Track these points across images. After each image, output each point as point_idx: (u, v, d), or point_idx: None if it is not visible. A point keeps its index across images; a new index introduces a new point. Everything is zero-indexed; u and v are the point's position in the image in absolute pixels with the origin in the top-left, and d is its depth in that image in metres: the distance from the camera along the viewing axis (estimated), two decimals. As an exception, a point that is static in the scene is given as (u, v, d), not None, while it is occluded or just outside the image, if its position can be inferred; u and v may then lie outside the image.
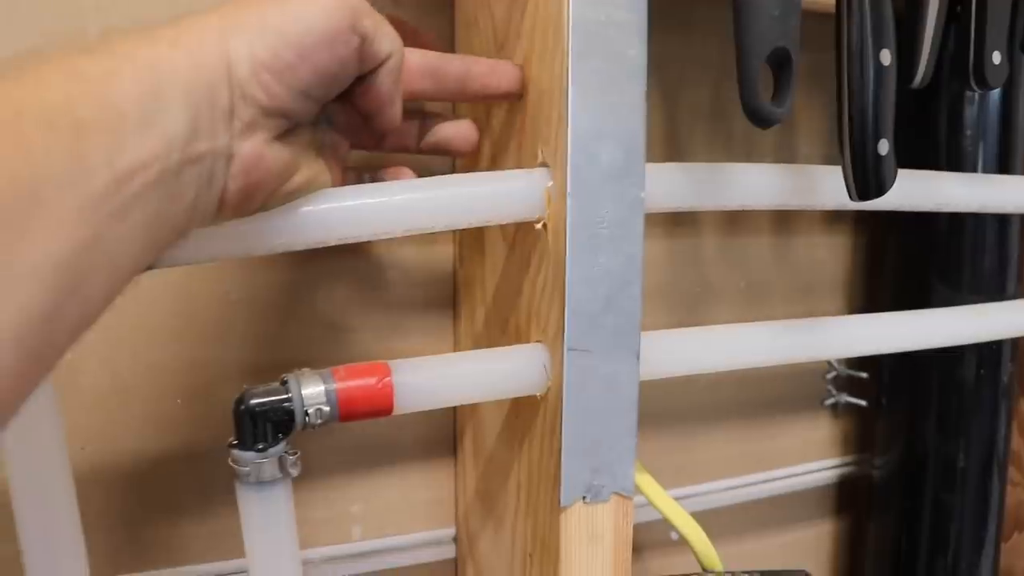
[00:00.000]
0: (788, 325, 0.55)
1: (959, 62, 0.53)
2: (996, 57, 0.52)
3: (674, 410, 0.73)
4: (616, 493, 0.47)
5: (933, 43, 0.50)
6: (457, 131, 0.49)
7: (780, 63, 0.44)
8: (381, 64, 0.41)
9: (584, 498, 0.46)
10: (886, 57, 0.46)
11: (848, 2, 0.46)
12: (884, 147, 0.47)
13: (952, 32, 0.53)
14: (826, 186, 0.53)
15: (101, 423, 0.53)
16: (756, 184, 0.51)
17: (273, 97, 0.36)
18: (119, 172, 0.30)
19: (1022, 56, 0.56)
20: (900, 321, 0.60)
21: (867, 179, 0.47)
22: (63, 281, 0.28)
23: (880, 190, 0.48)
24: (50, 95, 0.29)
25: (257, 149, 0.36)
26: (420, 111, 0.49)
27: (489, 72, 0.47)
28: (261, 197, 0.38)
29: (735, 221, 0.72)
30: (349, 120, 0.45)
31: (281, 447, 0.42)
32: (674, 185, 0.48)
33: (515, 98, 0.48)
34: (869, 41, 0.46)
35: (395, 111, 0.43)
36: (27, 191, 0.27)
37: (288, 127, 0.38)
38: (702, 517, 0.70)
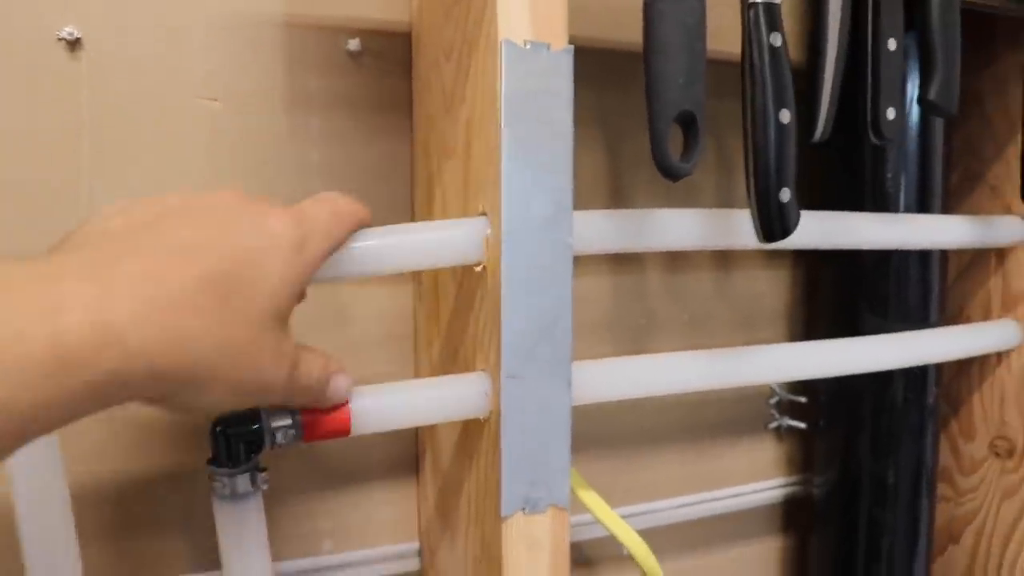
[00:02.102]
0: (710, 354, 0.61)
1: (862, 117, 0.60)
2: (891, 113, 0.58)
3: (626, 432, 0.79)
4: (553, 505, 0.52)
5: (831, 103, 0.57)
6: None
7: (687, 124, 0.50)
8: None
9: (523, 509, 0.51)
10: (785, 116, 0.52)
11: (751, 69, 0.52)
12: (786, 195, 0.53)
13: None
14: (744, 228, 0.59)
15: (91, 447, 0.58)
16: (678, 228, 0.58)
17: None
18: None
19: (925, 108, 0.63)
20: (814, 349, 0.66)
21: (772, 224, 0.53)
22: None
23: (785, 232, 0.54)
24: None
25: None
26: None
27: None
28: None
29: (678, 257, 0.78)
30: None
31: (252, 464, 0.48)
32: (601, 231, 0.55)
33: None
34: (770, 103, 0.52)
35: None
36: None
37: None
38: (653, 534, 0.75)
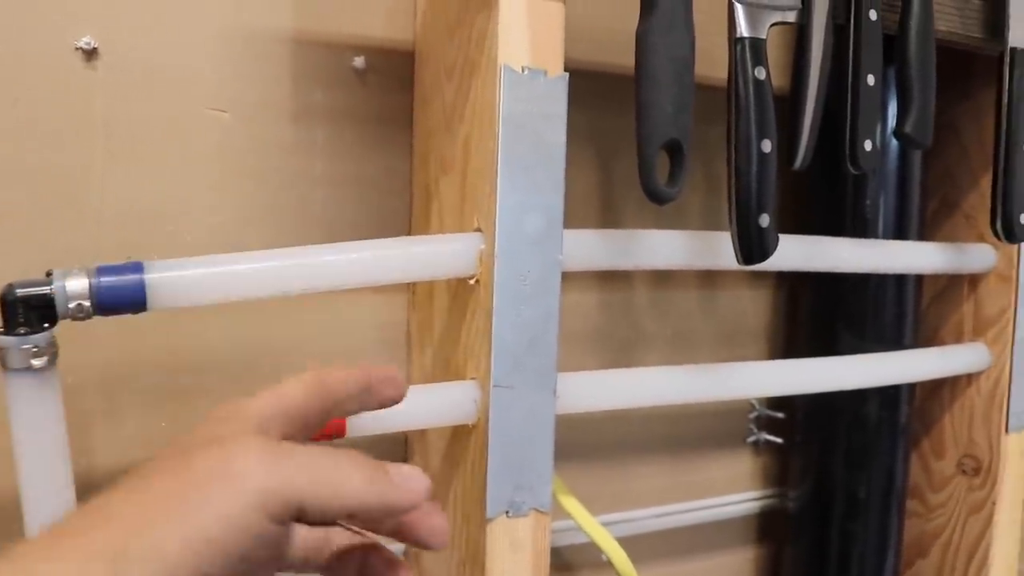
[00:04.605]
0: (693, 369, 0.64)
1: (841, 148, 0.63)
2: (867, 145, 0.61)
3: (611, 443, 0.82)
4: (535, 509, 0.55)
5: (811, 134, 0.59)
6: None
7: (673, 151, 0.53)
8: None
9: (507, 512, 0.54)
10: (767, 146, 0.55)
11: (736, 100, 0.55)
12: (765, 220, 0.56)
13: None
14: (728, 250, 0.62)
15: (97, 440, 0.61)
16: (664, 248, 0.60)
17: None
18: None
19: (901, 141, 0.66)
20: (793, 367, 0.69)
21: (751, 247, 0.56)
22: None
23: (763, 255, 0.57)
24: None
25: None
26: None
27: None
28: None
29: (664, 275, 0.81)
30: None
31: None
32: (590, 249, 0.57)
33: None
34: (753, 133, 0.55)
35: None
36: None
37: None
38: (634, 542, 0.78)
